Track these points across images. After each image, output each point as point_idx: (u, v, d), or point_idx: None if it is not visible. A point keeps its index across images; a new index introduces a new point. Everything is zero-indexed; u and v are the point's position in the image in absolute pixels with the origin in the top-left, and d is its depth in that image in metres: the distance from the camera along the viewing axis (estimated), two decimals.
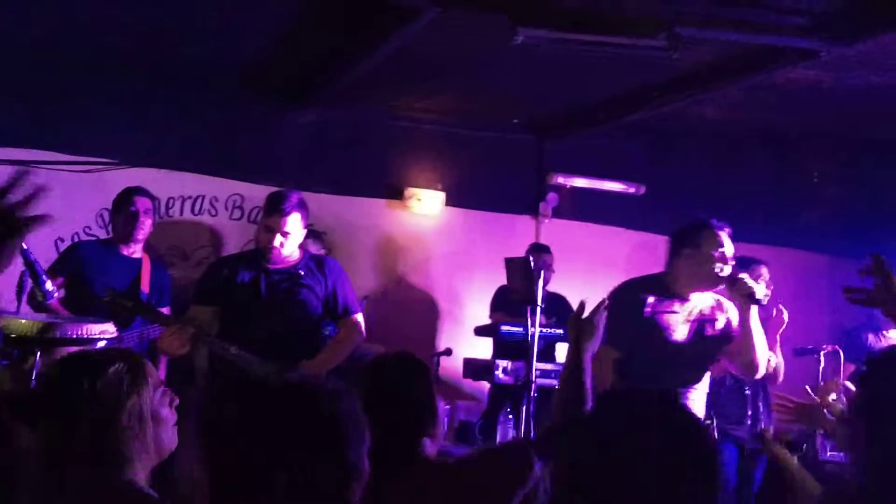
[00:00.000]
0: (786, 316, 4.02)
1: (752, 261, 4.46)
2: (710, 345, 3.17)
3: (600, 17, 3.04)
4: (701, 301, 3.17)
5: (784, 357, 4.12)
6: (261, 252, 3.30)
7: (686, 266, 3.15)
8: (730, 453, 4.17)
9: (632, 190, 5.34)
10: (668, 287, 3.17)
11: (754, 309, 3.06)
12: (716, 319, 3.18)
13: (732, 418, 4.24)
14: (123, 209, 3.79)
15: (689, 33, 3.08)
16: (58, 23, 3.89)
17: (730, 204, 5.54)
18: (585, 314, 2.35)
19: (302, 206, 3.29)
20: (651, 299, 3.12)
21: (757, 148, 5.54)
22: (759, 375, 3.24)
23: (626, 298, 3.11)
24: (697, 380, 3.17)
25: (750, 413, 4.26)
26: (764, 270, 4.36)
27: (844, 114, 4.58)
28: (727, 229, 3.18)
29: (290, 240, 3.27)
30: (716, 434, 4.06)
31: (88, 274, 3.63)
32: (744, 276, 3.11)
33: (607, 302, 2.39)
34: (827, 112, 4.59)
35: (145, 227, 3.81)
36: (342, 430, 1.32)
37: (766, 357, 3.22)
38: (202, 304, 3.33)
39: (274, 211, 3.24)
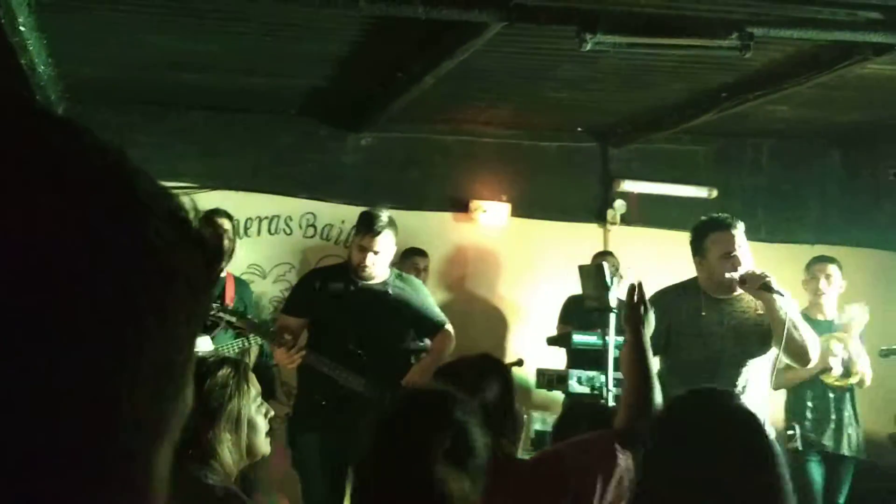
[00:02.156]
0: (866, 315, 3.93)
1: (822, 258, 4.37)
2: (750, 339, 3.15)
3: (670, 20, 3.04)
4: (737, 296, 3.16)
5: (871, 359, 4.02)
6: (353, 268, 3.40)
7: (701, 275, 3.18)
8: (814, 461, 4.07)
9: (703, 194, 5.27)
10: (699, 289, 3.19)
11: (777, 298, 3.02)
12: (754, 312, 3.16)
13: (814, 424, 4.14)
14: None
15: (761, 32, 3.05)
16: (134, 60, 4.08)
17: (803, 204, 5.44)
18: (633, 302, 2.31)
19: (392, 225, 3.40)
20: (684, 301, 3.15)
21: (829, 147, 5.43)
22: (811, 364, 3.21)
23: (659, 305, 3.08)
24: (738, 377, 3.15)
25: (834, 418, 4.15)
26: (830, 268, 4.25)
27: None
28: (735, 228, 3.13)
29: (382, 258, 3.37)
30: (798, 442, 3.97)
31: None
32: (752, 270, 3.07)
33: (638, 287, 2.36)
34: None
35: (228, 246, 3.95)
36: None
37: (815, 344, 3.17)
38: (292, 315, 3.43)
39: (367, 231, 3.35)
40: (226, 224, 3.96)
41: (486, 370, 2.04)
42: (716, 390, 1.69)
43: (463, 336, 5.16)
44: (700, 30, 3.03)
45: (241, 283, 4.06)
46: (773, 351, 3.16)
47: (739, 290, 3.18)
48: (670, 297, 3.22)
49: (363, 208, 3.85)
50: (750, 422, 1.41)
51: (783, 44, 3.44)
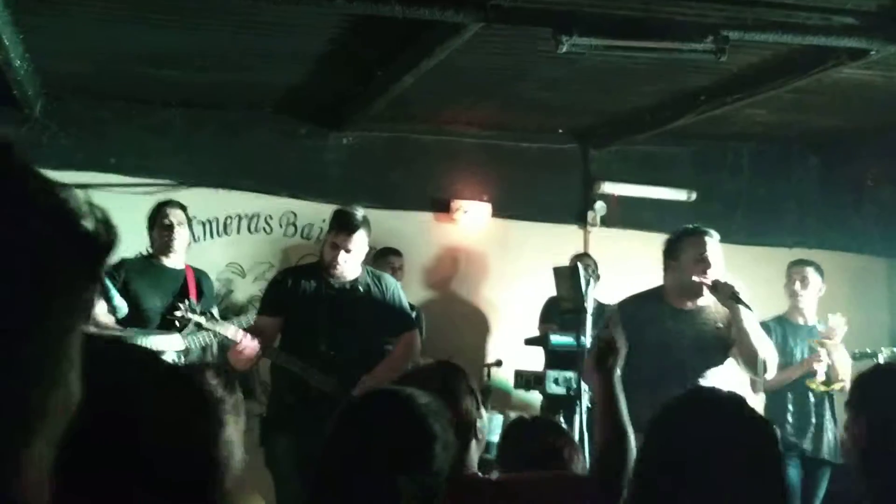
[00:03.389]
0: (843, 325, 3.95)
1: (801, 262, 4.39)
2: (711, 350, 3.19)
3: (645, 22, 3.05)
4: (699, 308, 3.21)
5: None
6: (324, 267, 3.37)
7: (672, 279, 3.23)
8: (793, 464, 4.09)
9: (682, 196, 5.30)
10: (662, 299, 3.24)
11: (743, 309, 3.08)
12: (714, 324, 3.21)
13: (795, 428, 4.15)
14: (158, 222, 3.88)
15: (736, 36, 3.07)
16: (111, 56, 4.06)
17: (782, 207, 5.47)
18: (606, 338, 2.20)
19: (366, 223, 3.37)
20: (647, 311, 3.18)
21: (808, 151, 5.46)
22: (768, 376, 3.25)
23: (623, 313, 3.22)
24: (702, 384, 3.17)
25: (814, 422, 4.17)
26: (809, 272, 4.28)
27: None
28: (711, 235, 3.21)
29: (354, 256, 3.35)
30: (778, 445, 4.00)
31: (137, 288, 3.70)
32: (725, 279, 3.13)
33: (608, 324, 2.34)
34: (878, 113, 4.51)
35: (181, 237, 3.85)
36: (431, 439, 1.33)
37: (773, 357, 3.24)
38: (266, 314, 3.41)
39: (340, 229, 3.32)
40: (177, 216, 3.87)
41: (451, 379, 1.97)
42: (718, 391, 1.64)
43: (442, 336, 5.17)
44: (675, 33, 3.04)
45: (201, 275, 3.97)
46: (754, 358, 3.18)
47: (702, 302, 3.23)
48: (631, 308, 3.26)
49: None
50: (758, 424, 1.39)
51: (759, 47, 3.46)
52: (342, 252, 3.28)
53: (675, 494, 1.28)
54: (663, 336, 3.17)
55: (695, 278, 3.13)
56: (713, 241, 3.21)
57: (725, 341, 3.20)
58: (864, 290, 5.28)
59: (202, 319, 3.14)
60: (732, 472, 1.29)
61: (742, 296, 3.07)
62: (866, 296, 5.25)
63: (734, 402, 1.43)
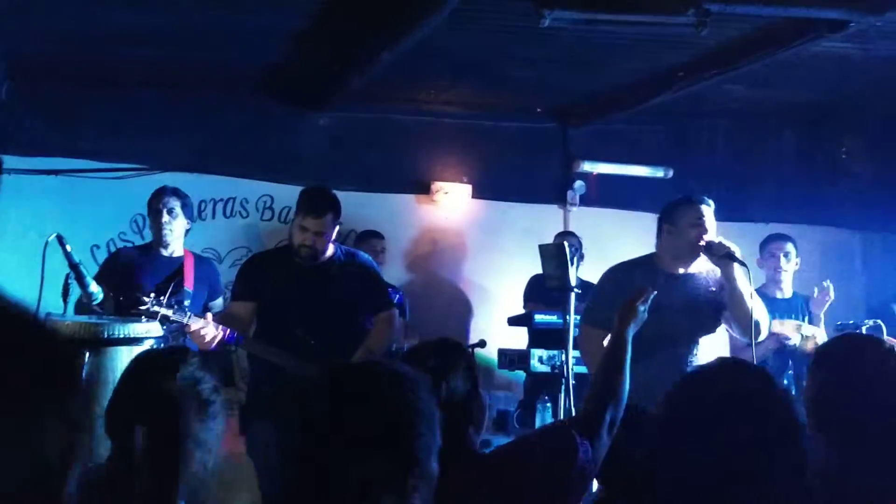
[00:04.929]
0: (832, 293, 4.01)
1: (779, 236, 4.43)
2: (703, 314, 3.25)
3: None
4: (691, 274, 3.28)
5: (828, 335, 4.08)
6: (295, 250, 3.31)
7: (668, 242, 3.31)
8: None
9: (659, 174, 5.31)
10: (655, 266, 3.30)
11: (737, 268, 3.14)
12: (707, 289, 3.26)
13: None
14: (152, 210, 3.79)
15: (717, 8, 3.06)
16: (80, 36, 3.94)
17: (758, 183, 5.51)
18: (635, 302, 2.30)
19: (335, 204, 3.30)
20: (638, 277, 3.18)
21: (784, 126, 5.50)
22: (761, 337, 3.29)
23: (613, 279, 3.29)
24: (693, 350, 3.25)
25: (794, 394, 4.22)
26: (789, 246, 4.32)
27: (872, 87, 4.53)
28: (708, 204, 3.31)
29: (325, 237, 3.28)
30: None
31: (135, 280, 3.62)
32: (719, 238, 3.21)
33: (645, 294, 2.35)
34: (855, 86, 4.54)
35: (174, 224, 3.73)
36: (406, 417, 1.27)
37: (765, 318, 3.30)
38: (239, 299, 3.35)
39: (307, 210, 3.24)
40: (170, 203, 3.70)
41: (450, 355, 1.97)
42: (744, 362, 1.66)
43: (425, 318, 5.15)
44: (657, 5, 3.03)
45: (201, 262, 3.85)
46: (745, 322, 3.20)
47: (694, 268, 3.29)
48: (623, 274, 3.31)
49: None
50: (781, 395, 1.40)
51: (739, 20, 3.46)
52: (311, 234, 3.22)
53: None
54: (656, 301, 3.20)
55: (692, 238, 3.20)
56: (709, 209, 3.31)
57: (718, 305, 3.25)
58: (839, 264, 5.35)
59: (169, 312, 3.06)
60: (750, 441, 1.31)
61: (737, 254, 3.12)
62: (841, 270, 5.31)
63: (755, 371, 1.47)
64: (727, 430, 1.31)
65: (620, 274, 3.32)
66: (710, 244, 3.20)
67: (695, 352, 3.27)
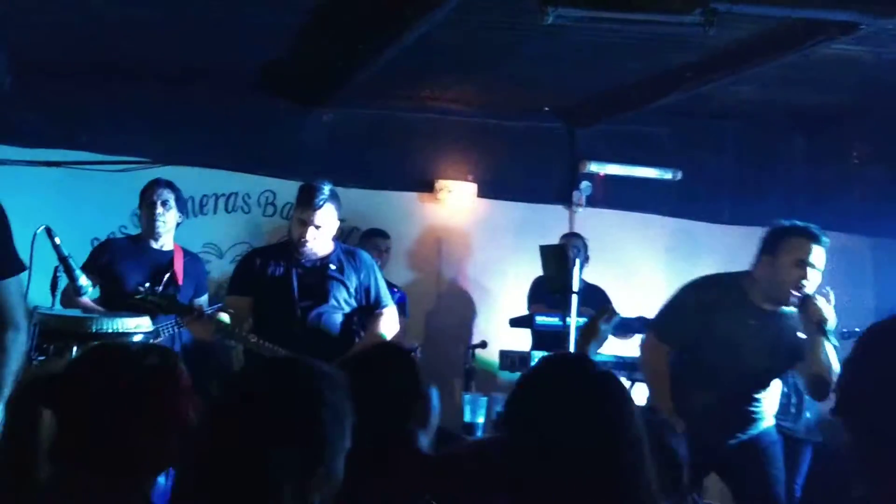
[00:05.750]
0: (832, 299, 3.92)
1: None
2: (782, 359, 2.98)
3: None
4: (782, 313, 2.91)
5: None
6: (293, 245, 3.28)
7: (762, 272, 2.90)
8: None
9: (668, 176, 5.25)
10: (745, 295, 2.93)
11: (826, 344, 2.79)
12: (794, 334, 2.92)
13: (779, 407, 4.14)
14: (144, 202, 3.76)
15: (725, 8, 3.00)
16: (83, 29, 3.92)
17: (767, 187, 5.44)
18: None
19: (334, 198, 3.27)
20: (725, 303, 2.89)
21: (794, 129, 5.43)
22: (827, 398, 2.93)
23: (697, 301, 2.93)
24: (763, 388, 3.01)
25: (795, 402, 4.16)
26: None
27: (884, 90, 4.46)
28: (821, 243, 2.86)
29: (323, 232, 3.25)
30: None
31: (120, 270, 3.60)
32: (818, 299, 2.82)
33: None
34: (866, 89, 4.47)
35: (166, 217, 3.69)
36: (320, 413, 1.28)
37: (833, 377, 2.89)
38: (236, 293, 3.33)
39: (306, 204, 3.22)
40: (163, 195, 3.68)
41: (388, 357, 1.99)
42: (572, 354, 1.75)
43: (427, 318, 5.11)
44: (663, 4, 2.97)
45: (190, 258, 3.83)
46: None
47: (788, 308, 2.91)
48: (708, 295, 2.94)
49: None
50: (606, 386, 1.44)
51: (748, 21, 3.40)
52: (310, 228, 3.19)
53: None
54: (741, 335, 2.89)
55: (789, 283, 2.81)
56: (820, 249, 2.86)
57: (799, 354, 2.93)
58: (849, 270, 5.27)
59: (163, 303, 3.04)
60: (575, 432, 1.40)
61: (828, 327, 2.78)
62: (851, 275, 5.23)
63: (580, 365, 1.56)
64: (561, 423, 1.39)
65: (705, 295, 2.92)
66: (805, 299, 2.80)
67: (762, 393, 3.02)
